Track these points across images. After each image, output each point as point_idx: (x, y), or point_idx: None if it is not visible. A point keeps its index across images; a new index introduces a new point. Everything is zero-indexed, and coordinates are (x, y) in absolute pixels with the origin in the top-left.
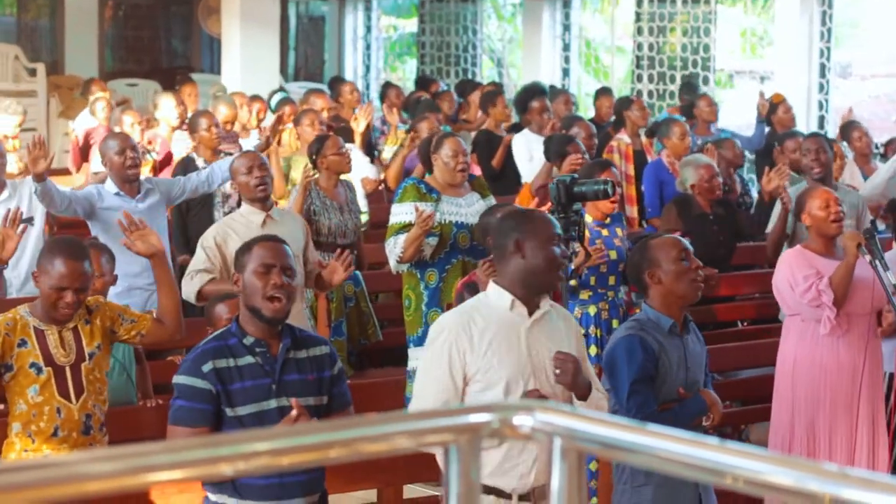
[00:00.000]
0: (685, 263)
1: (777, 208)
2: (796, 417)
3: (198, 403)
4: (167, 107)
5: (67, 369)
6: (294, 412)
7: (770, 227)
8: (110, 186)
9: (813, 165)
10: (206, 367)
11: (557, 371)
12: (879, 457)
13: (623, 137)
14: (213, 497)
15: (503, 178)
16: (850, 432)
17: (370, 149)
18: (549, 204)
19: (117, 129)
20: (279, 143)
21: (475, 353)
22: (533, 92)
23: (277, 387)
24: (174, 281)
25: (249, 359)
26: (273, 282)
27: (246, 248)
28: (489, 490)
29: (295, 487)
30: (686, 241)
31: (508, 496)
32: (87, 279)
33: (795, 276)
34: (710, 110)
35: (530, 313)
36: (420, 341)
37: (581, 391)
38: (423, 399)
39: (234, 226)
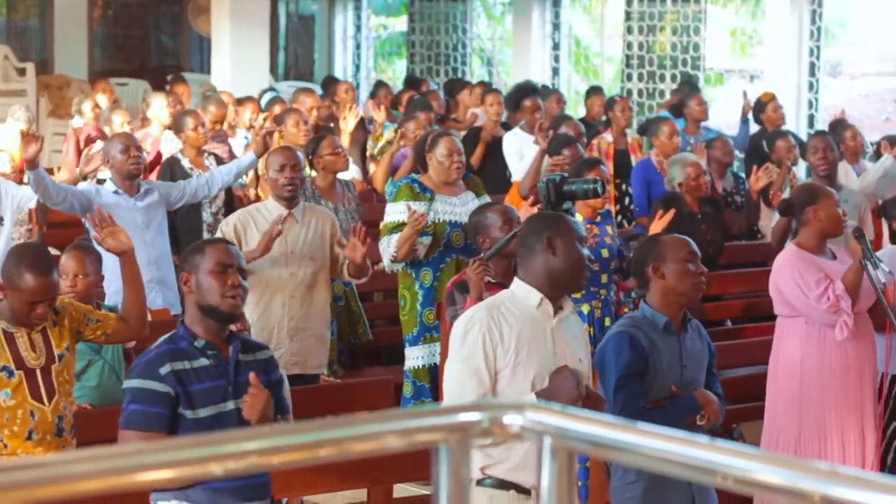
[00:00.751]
0: (691, 266)
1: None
2: (804, 416)
3: (153, 407)
4: (158, 106)
5: (38, 372)
6: (251, 389)
7: (772, 223)
8: (109, 185)
9: (820, 163)
10: (164, 370)
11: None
12: (869, 456)
13: (605, 136)
14: (159, 502)
15: (492, 178)
16: (860, 433)
17: (363, 148)
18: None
19: (107, 129)
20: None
21: (505, 348)
22: (525, 91)
23: (233, 388)
24: (141, 280)
25: (204, 361)
26: (231, 281)
27: (198, 249)
28: (508, 485)
29: (245, 491)
30: (695, 245)
31: (528, 492)
32: (56, 288)
33: (806, 281)
34: (701, 109)
35: (555, 313)
36: (415, 340)
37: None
38: (462, 392)
39: (256, 217)
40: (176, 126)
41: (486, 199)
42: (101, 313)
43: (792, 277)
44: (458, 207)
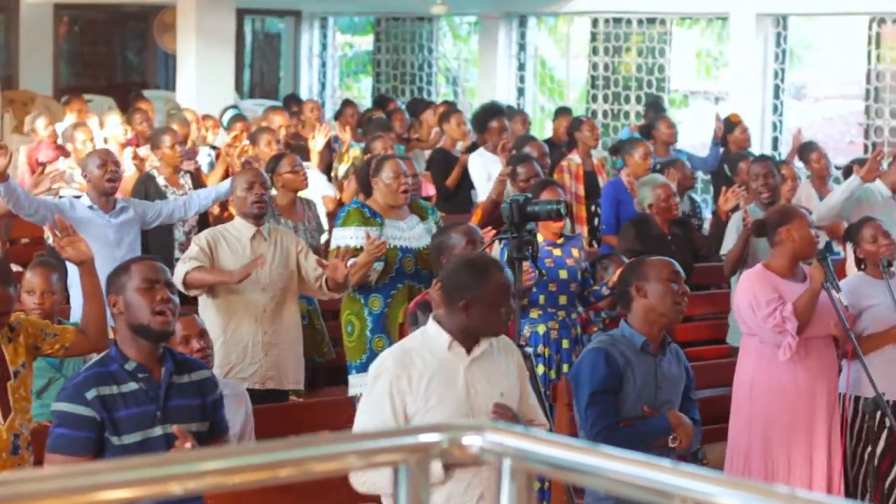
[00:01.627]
0: (674, 286)
1: (732, 226)
2: (753, 439)
3: (79, 431)
4: (113, 124)
5: None
6: (178, 441)
7: (726, 246)
8: (85, 199)
9: (761, 190)
10: (90, 394)
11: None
12: (834, 481)
13: (574, 157)
14: None
15: (457, 198)
16: (807, 456)
17: (328, 168)
18: (492, 231)
19: (68, 147)
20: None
21: (414, 394)
22: (492, 111)
23: (162, 413)
24: (101, 291)
25: (133, 385)
26: (159, 296)
27: (123, 269)
28: None
29: None
30: (679, 267)
31: None
32: (12, 302)
33: (758, 299)
34: (670, 132)
35: (468, 351)
36: (363, 367)
37: None
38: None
39: (226, 235)
40: (152, 143)
41: (431, 223)
42: (58, 327)
43: (746, 296)
44: (406, 232)
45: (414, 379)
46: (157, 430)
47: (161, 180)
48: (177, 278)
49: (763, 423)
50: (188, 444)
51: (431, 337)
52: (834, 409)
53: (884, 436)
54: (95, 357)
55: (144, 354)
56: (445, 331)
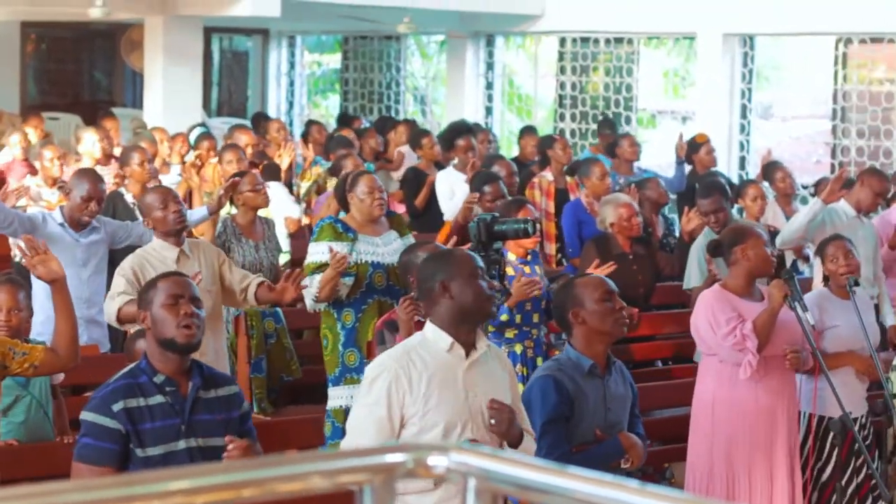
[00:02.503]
0: (609, 304)
1: (693, 259)
2: (716, 457)
3: (105, 443)
4: (89, 141)
5: None
6: (231, 448)
7: (689, 275)
8: (57, 216)
9: (714, 227)
10: (117, 407)
11: (492, 421)
12: (796, 499)
13: (546, 175)
14: None
15: (427, 216)
16: (768, 475)
17: (290, 186)
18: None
19: (36, 164)
20: (200, 176)
21: (414, 396)
22: (459, 130)
23: (187, 427)
24: (72, 309)
25: (160, 398)
26: (184, 311)
27: (150, 285)
28: None
29: None
30: (610, 282)
31: None
32: None
33: (717, 318)
34: (633, 150)
35: (467, 354)
36: (337, 381)
37: (514, 440)
38: (360, 439)
39: (150, 259)
40: (122, 160)
41: (410, 238)
42: (27, 346)
43: (706, 315)
44: (380, 248)
45: (414, 379)
46: (181, 444)
47: (129, 198)
48: (109, 317)
49: (725, 443)
50: (235, 452)
51: (431, 339)
52: (793, 428)
53: (835, 454)
54: (126, 368)
55: (173, 368)
56: (444, 331)
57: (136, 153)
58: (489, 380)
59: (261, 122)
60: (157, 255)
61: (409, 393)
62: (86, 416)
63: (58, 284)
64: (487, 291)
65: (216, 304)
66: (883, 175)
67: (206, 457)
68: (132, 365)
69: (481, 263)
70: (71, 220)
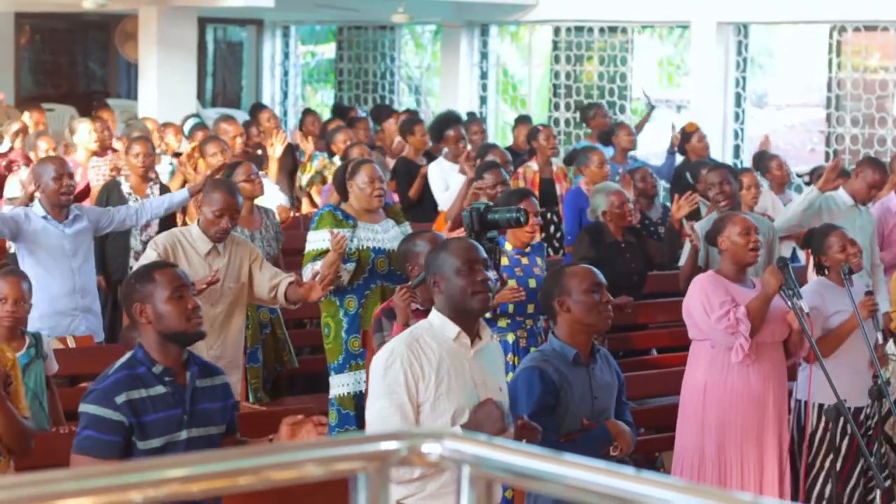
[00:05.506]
0: (595, 296)
1: (687, 245)
2: (706, 442)
3: (107, 435)
4: (84, 131)
5: None
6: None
7: (684, 258)
8: (38, 209)
9: (718, 198)
10: (120, 399)
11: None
12: (784, 485)
13: (531, 165)
14: None
15: (420, 207)
16: (759, 460)
17: (292, 176)
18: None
19: (32, 155)
20: (195, 170)
21: (426, 381)
22: (448, 120)
23: (189, 417)
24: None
25: (161, 388)
26: (190, 304)
27: (147, 278)
28: None
29: None
30: (599, 274)
31: None
32: None
33: (711, 302)
34: (629, 139)
35: (472, 343)
36: (340, 368)
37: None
38: (388, 428)
39: (183, 242)
40: (126, 149)
41: (407, 226)
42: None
43: (699, 299)
44: (380, 234)
45: (425, 365)
46: (183, 434)
47: (126, 188)
48: None
49: (717, 428)
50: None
51: (438, 327)
52: (783, 414)
53: (845, 443)
54: (122, 359)
55: (172, 358)
56: (449, 320)
57: (138, 144)
58: (493, 369)
59: (258, 111)
60: (191, 240)
61: (422, 378)
62: (87, 408)
63: None
64: (472, 287)
65: (238, 301)
66: (880, 166)
67: (204, 446)
68: (128, 355)
69: (475, 255)
70: (52, 210)
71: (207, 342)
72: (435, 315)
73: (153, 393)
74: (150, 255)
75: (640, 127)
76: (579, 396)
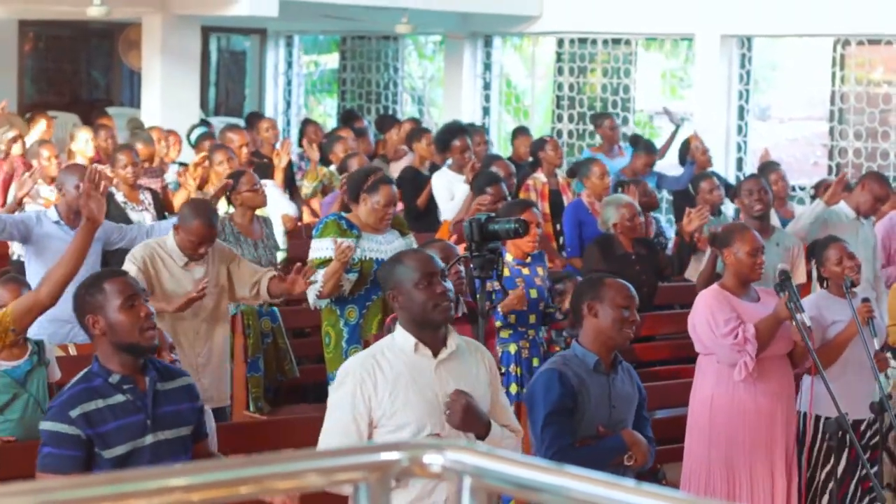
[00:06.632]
0: (625, 312)
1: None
2: (714, 455)
3: (66, 450)
4: (82, 139)
5: None
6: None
7: (699, 267)
8: (52, 214)
9: (754, 204)
10: (74, 413)
11: (447, 411)
12: (793, 500)
13: (539, 176)
14: None
15: (427, 217)
16: (768, 475)
17: (290, 185)
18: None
19: (34, 163)
20: (206, 180)
21: (380, 398)
22: (454, 131)
23: (153, 422)
24: (83, 260)
25: (119, 397)
26: (143, 313)
27: (96, 288)
28: None
29: None
30: (634, 292)
31: None
32: None
33: (716, 318)
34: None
35: (435, 354)
36: None
37: (475, 429)
38: (329, 442)
39: (162, 255)
40: (110, 161)
41: (411, 237)
42: None
43: (704, 315)
44: (383, 245)
45: (380, 382)
46: (148, 439)
47: (120, 197)
48: None
49: (724, 443)
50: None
51: (397, 341)
52: (791, 429)
53: (844, 455)
54: (79, 374)
55: (128, 367)
56: (409, 333)
57: (123, 154)
58: (462, 377)
59: (255, 121)
60: (168, 252)
61: (375, 395)
62: (45, 425)
63: (91, 226)
64: (432, 301)
65: (221, 306)
66: (884, 180)
67: (172, 449)
68: (85, 369)
69: (433, 267)
70: (67, 217)
71: (194, 349)
72: (398, 329)
73: (112, 402)
74: (129, 269)
75: (665, 148)
76: (597, 403)
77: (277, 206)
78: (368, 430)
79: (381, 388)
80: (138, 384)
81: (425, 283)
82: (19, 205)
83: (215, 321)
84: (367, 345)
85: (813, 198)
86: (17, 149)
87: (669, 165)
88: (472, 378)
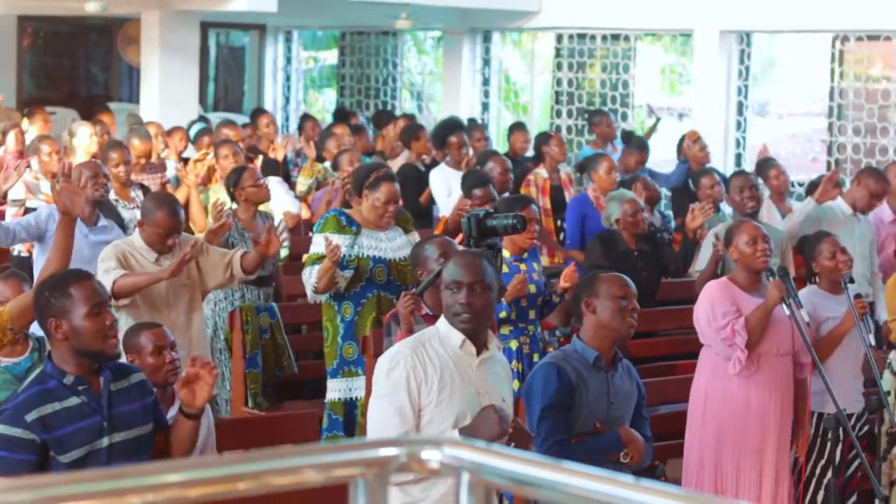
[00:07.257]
0: (623, 302)
1: (706, 247)
2: (705, 450)
3: (19, 454)
4: (84, 135)
5: None
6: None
7: (701, 263)
8: None
9: (747, 201)
10: (30, 417)
11: (509, 440)
12: (781, 498)
13: (541, 171)
14: None
15: (429, 213)
16: (756, 474)
17: (286, 181)
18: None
19: (34, 158)
20: (198, 176)
21: (429, 386)
22: (451, 127)
23: (109, 423)
24: (70, 252)
25: (74, 399)
26: (108, 321)
27: (61, 292)
28: None
29: None
30: (631, 283)
31: None
32: None
33: (715, 311)
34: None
35: (478, 353)
36: (335, 373)
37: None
38: (385, 430)
39: (133, 252)
40: (102, 158)
41: (416, 235)
42: None
43: (705, 307)
44: (383, 243)
45: (429, 370)
46: (105, 441)
47: (112, 195)
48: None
49: (715, 435)
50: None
51: (444, 334)
52: (786, 426)
53: (838, 450)
54: (32, 376)
55: (83, 368)
56: (454, 328)
57: (115, 152)
58: (497, 379)
59: (259, 117)
60: (139, 249)
61: (425, 382)
62: None
63: (67, 219)
64: (453, 308)
65: (195, 298)
66: (881, 176)
67: (129, 449)
68: (37, 371)
69: (462, 276)
70: (83, 212)
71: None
72: (442, 322)
73: (67, 405)
74: (109, 262)
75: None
76: (595, 399)
77: (281, 203)
78: (416, 418)
79: (430, 377)
80: (93, 385)
81: (454, 288)
82: (3, 198)
83: (191, 312)
84: (362, 341)
85: (807, 194)
86: (11, 143)
87: (669, 162)
88: (503, 382)
